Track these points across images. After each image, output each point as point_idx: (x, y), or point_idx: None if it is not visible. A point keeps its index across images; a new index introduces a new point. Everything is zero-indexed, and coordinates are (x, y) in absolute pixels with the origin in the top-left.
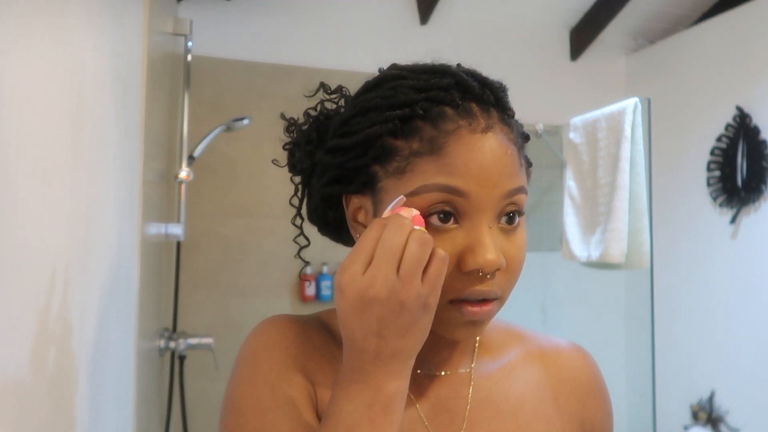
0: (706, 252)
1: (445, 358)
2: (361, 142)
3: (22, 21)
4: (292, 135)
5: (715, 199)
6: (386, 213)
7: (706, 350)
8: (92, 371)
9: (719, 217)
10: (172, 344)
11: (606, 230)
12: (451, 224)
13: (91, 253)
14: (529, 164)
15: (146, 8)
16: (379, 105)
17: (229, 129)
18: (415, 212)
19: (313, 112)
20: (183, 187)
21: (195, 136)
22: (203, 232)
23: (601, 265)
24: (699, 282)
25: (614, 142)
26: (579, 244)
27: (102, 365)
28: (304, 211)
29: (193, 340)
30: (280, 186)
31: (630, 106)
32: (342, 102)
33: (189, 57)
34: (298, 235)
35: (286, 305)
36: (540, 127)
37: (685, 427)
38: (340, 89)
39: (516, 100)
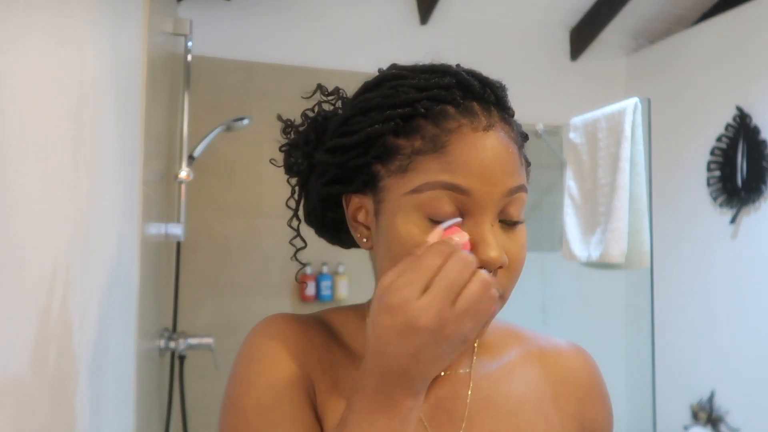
0: (706, 252)
1: None
2: (363, 141)
3: (22, 21)
4: (289, 136)
5: (715, 199)
6: (436, 233)
7: (706, 350)
8: (92, 371)
9: (719, 217)
10: (172, 344)
11: (606, 230)
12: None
13: (91, 253)
14: (528, 164)
15: (146, 8)
16: (381, 104)
17: (229, 129)
18: (467, 237)
19: (310, 113)
20: (183, 187)
21: (195, 136)
22: (203, 232)
23: (601, 265)
24: (699, 282)
25: (614, 142)
26: (579, 244)
27: (102, 365)
28: (300, 213)
29: (193, 340)
30: (280, 186)
31: (630, 106)
32: (339, 104)
33: (189, 57)
34: (295, 237)
35: (286, 305)
36: (540, 127)
37: (685, 427)
38: (337, 91)
39: (516, 100)
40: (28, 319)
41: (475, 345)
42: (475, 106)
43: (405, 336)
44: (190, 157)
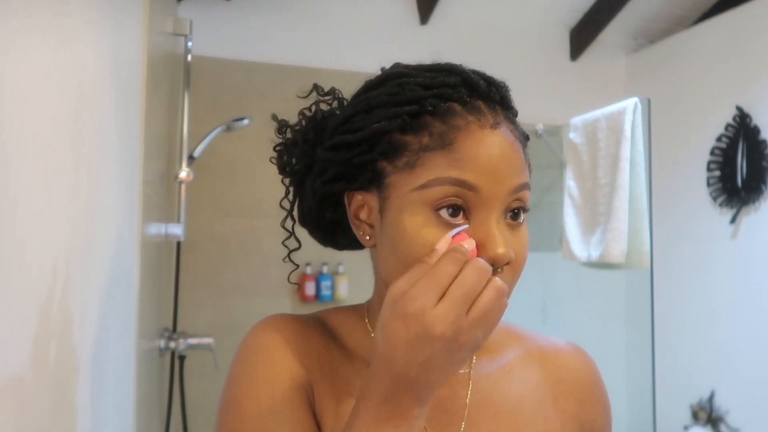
0: (706, 252)
1: None
2: (368, 138)
3: (22, 21)
4: (283, 136)
5: (715, 199)
6: (445, 240)
7: (706, 350)
8: (92, 371)
9: (719, 217)
10: (172, 344)
11: (606, 230)
12: (460, 218)
13: (91, 253)
14: (529, 166)
15: (146, 8)
16: (386, 102)
17: (229, 129)
18: (474, 244)
19: (308, 113)
20: (183, 187)
21: (195, 136)
22: (203, 232)
23: (601, 265)
24: (699, 282)
25: (614, 142)
26: (579, 244)
27: (102, 365)
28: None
29: (193, 340)
30: (280, 186)
31: (630, 106)
32: (335, 104)
33: (189, 57)
34: (288, 238)
35: (286, 305)
36: (540, 127)
37: (685, 427)
38: (333, 91)
39: (516, 100)
40: (28, 319)
41: None
42: (481, 104)
43: (418, 344)
44: (190, 157)
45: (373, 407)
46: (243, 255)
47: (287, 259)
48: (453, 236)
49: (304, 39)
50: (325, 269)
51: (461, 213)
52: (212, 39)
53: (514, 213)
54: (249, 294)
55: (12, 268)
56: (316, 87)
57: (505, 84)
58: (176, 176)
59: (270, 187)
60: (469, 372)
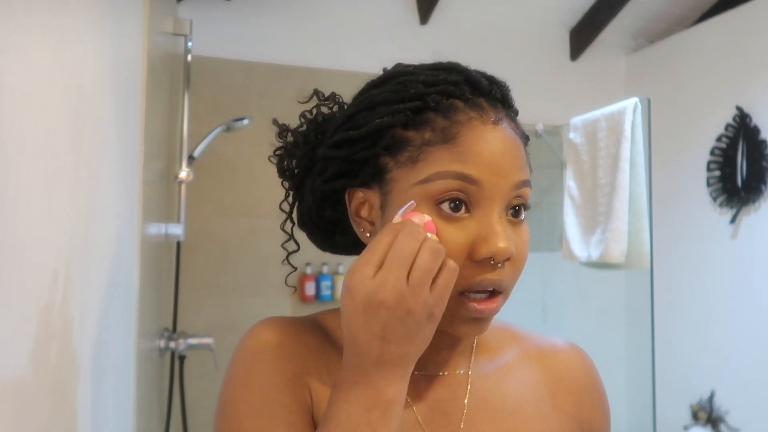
0: (706, 252)
1: (443, 359)
2: (371, 133)
3: (22, 21)
4: (284, 140)
5: (715, 199)
6: (397, 218)
7: (706, 350)
8: (93, 371)
9: (719, 217)
10: (172, 344)
11: (606, 230)
12: (462, 213)
13: (91, 253)
14: (529, 165)
15: (146, 8)
16: (389, 99)
17: (229, 129)
18: (428, 218)
19: (309, 115)
20: (183, 187)
21: (195, 136)
22: (203, 232)
23: (601, 265)
24: (699, 282)
25: (614, 142)
26: (579, 244)
27: (102, 365)
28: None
29: (193, 340)
30: (280, 186)
31: (630, 106)
32: (336, 108)
33: (189, 57)
34: (288, 240)
35: (286, 305)
36: (540, 127)
37: (685, 427)
38: (333, 96)
39: (516, 100)
40: (28, 319)
41: (473, 345)
42: (483, 101)
43: (368, 315)
44: (190, 157)
45: (344, 392)
46: (243, 255)
47: (286, 261)
48: (402, 213)
49: (304, 39)
50: (325, 269)
51: (463, 207)
52: (212, 39)
53: (515, 210)
54: (249, 294)
55: (12, 268)
56: (316, 92)
57: (506, 83)
58: (176, 176)
59: (270, 188)
60: (468, 372)
